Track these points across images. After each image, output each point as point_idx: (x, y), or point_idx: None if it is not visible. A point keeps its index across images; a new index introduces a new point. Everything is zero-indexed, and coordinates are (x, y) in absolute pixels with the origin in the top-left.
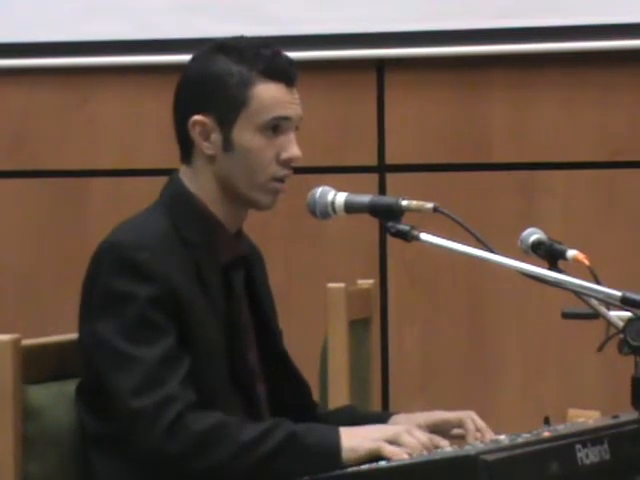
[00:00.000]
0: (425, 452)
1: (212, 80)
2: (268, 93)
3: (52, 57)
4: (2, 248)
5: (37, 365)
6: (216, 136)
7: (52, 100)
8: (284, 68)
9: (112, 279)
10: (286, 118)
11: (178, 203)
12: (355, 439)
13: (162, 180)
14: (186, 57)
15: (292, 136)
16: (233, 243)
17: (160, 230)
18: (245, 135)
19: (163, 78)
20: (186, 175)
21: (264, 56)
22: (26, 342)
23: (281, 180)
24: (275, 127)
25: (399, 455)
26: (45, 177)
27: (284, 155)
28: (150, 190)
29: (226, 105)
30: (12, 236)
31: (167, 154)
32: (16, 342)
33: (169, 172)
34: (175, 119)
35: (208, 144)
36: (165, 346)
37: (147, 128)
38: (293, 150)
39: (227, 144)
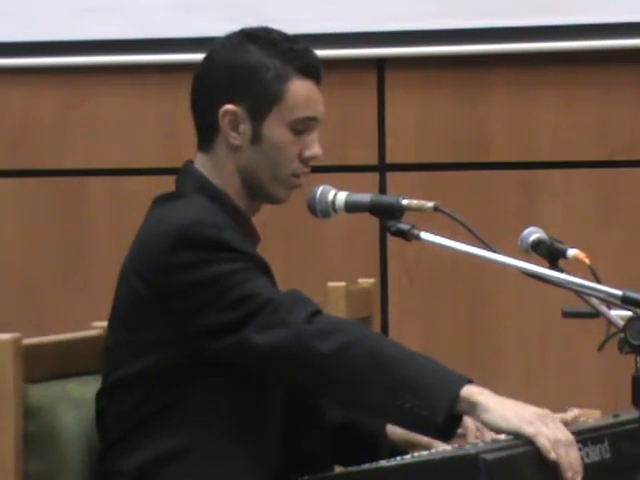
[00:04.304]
0: (570, 475)
1: (246, 70)
2: (302, 91)
3: (51, 56)
4: (1, 247)
5: (38, 364)
6: (245, 127)
7: (51, 99)
8: (317, 66)
9: (199, 255)
10: (315, 118)
11: (209, 194)
12: (510, 410)
13: (162, 179)
14: (186, 57)
15: (316, 135)
16: (256, 233)
17: (219, 215)
18: (275, 130)
19: (163, 78)
20: (205, 165)
21: (299, 52)
22: (27, 341)
23: (299, 176)
24: (304, 125)
25: (549, 456)
26: (44, 176)
27: (307, 153)
28: (149, 189)
29: (260, 98)
30: (11, 235)
31: (166, 153)
32: (17, 341)
33: (169, 171)
34: (198, 105)
35: (236, 134)
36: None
37: (146, 127)
38: (316, 148)
39: (256, 136)
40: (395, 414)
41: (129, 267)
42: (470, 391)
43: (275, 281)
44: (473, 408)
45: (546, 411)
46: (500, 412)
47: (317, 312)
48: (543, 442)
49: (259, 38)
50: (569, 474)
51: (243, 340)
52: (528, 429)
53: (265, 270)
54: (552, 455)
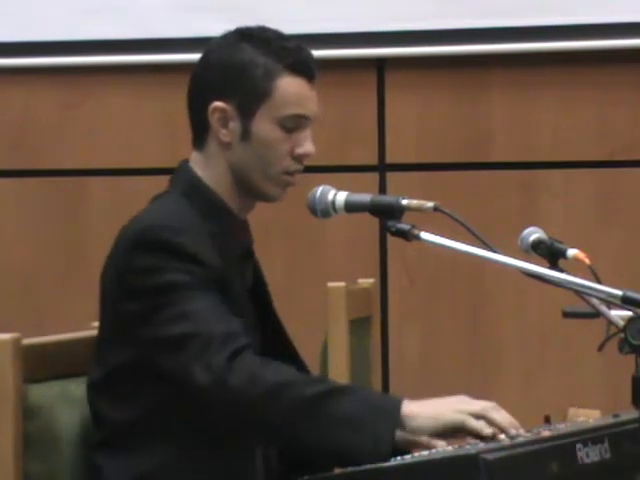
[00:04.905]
0: (514, 431)
1: (237, 68)
2: (292, 88)
3: (51, 56)
4: (1, 247)
5: (37, 364)
6: (235, 124)
7: (51, 99)
8: (309, 64)
9: (151, 260)
10: (306, 117)
11: (196, 194)
12: (433, 408)
13: (162, 179)
14: (185, 57)
15: (308, 132)
16: (245, 233)
17: (189, 217)
18: (264, 126)
19: (162, 77)
20: (198, 163)
21: (290, 49)
22: (26, 341)
23: (292, 174)
24: (294, 123)
25: (484, 431)
26: (44, 176)
27: (299, 150)
28: (149, 189)
29: (249, 95)
30: (11, 235)
31: (166, 153)
32: (16, 341)
33: (168, 171)
34: (193, 103)
35: (225, 131)
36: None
37: (146, 127)
38: (308, 146)
39: (245, 133)
40: (336, 453)
41: (105, 265)
42: (402, 414)
43: (229, 289)
44: (406, 425)
45: (461, 396)
46: (425, 415)
47: (244, 349)
48: (474, 424)
49: (253, 37)
50: (511, 431)
51: (177, 371)
52: (456, 417)
53: (216, 282)
54: (487, 431)
